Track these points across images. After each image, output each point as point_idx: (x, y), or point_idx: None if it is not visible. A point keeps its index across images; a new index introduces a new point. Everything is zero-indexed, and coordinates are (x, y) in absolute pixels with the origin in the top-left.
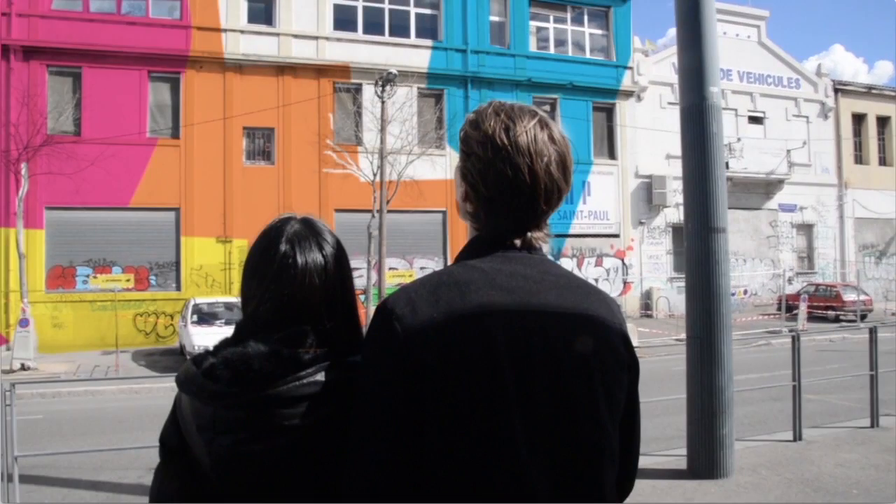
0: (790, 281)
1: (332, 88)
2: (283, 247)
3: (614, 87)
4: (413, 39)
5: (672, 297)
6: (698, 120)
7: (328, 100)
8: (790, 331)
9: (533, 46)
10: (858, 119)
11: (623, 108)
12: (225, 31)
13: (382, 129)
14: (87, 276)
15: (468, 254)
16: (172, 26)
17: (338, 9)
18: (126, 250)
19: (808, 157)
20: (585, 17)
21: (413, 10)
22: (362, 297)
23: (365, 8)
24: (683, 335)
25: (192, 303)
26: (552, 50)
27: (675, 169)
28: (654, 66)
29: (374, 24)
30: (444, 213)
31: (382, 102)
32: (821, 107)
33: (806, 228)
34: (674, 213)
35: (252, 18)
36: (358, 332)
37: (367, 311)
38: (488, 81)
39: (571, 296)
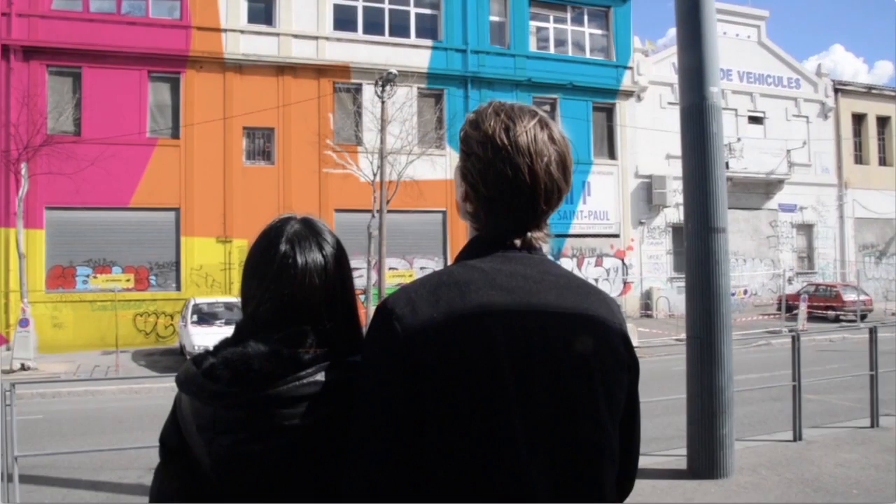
0: (790, 281)
1: (332, 88)
2: (283, 247)
3: (614, 87)
4: (413, 39)
5: (672, 297)
6: (698, 120)
7: (328, 100)
8: (790, 331)
9: (533, 46)
10: (858, 119)
11: (623, 108)
12: (225, 31)
13: (382, 129)
14: (87, 276)
15: (468, 254)
16: (172, 26)
17: (338, 9)
18: (126, 250)
19: (808, 157)
20: (585, 17)
21: (413, 10)
22: (362, 297)
23: (365, 8)
24: (683, 335)
25: (192, 303)
26: (552, 50)
27: (675, 169)
28: (654, 66)
29: (374, 24)
30: (444, 213)
31: (382, 102)
32: (821, 107)
33: (806, 228)
34: (674, 213)
35: (252, 18)
36: (358, 332)
37: (367, 311)
38: (488, 81)
39: (571, 296)
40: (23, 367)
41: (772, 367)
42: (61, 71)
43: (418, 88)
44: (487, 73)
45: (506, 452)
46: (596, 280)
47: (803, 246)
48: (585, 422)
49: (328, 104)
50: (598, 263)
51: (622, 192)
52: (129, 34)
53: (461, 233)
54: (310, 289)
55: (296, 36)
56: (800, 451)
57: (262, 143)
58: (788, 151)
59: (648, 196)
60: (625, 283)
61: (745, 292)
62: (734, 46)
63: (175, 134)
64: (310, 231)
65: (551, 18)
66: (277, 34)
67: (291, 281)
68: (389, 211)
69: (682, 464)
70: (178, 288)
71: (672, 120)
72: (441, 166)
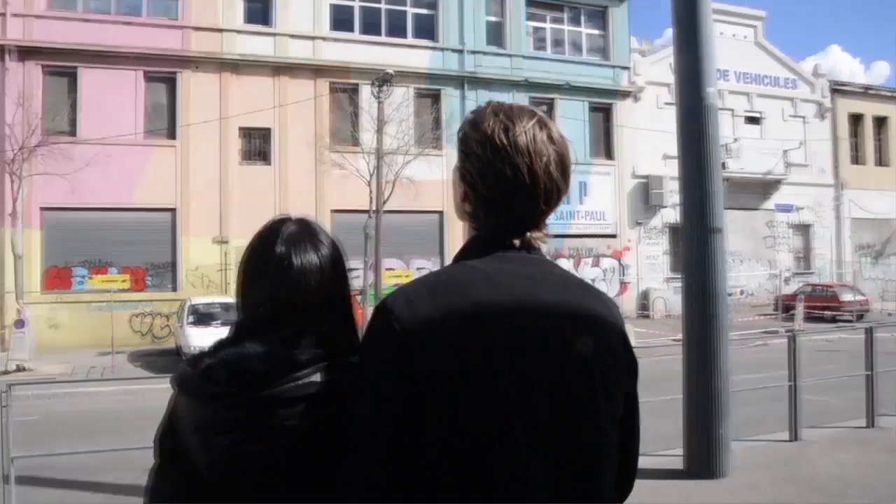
0: (787, 281)
1: (330, 89)
2: (280, 248)
3: (611, 88)
4: (410, 40)
5: (669, 297)
6: (695, 120)
7: (325, 100)
8: (787, 331)
9: (530, 47)
10: (855, 119)
11: (620, 109)
12: (222, 31)
13: (379, 130)
14: (84, 276)
15: (467, 254)
16: (169, 26)
17: (335, 9)
18: (123, 251)
19: (805, 157)
20: (582, 18)
21: (410, 11)
22: (359, 298)
23: (362, 8)
24: (681, 335)
25: (188, 303)
26: (549, 50)
27: (673, 169)
28: (651, 67)
29: (371, 25)
30: (441, 213)
31: (379, 103)
32: (818, 107)
33: (803, 229)
34: (671, 213)
35: (249, 18)
36: (355, 332)
37: (364, 311)
38: (485, 82)
39: (571, 296)
40: (19, 368)
41: (769, 368)
42: (57, 71)
43: (415, 89)
44: (485, 73)
45: (505, 452)
46: (593, 280)
47: (800, 246)
48: (585, 422)
49: (325, 104)
50: (596, 264)
51: (619, 193)
52: (125, 34)
53: (458, 233)
54: (307, 290)
55: (293, 36)
56: (797, 451)
57: (259, 144)
58: (785, 152)
59: (646, 196)
60: (622, 283)
61: (742, 293)
62: (731, 47)
63: (172, 134)
64: (306, 232)
65: (548, 19)
66: (274, 34)
67: (288, 282)
68: (386, 211)
69: (679, 464)
70: (175, 288)
71: (669, 120)
72: (438, 167)
